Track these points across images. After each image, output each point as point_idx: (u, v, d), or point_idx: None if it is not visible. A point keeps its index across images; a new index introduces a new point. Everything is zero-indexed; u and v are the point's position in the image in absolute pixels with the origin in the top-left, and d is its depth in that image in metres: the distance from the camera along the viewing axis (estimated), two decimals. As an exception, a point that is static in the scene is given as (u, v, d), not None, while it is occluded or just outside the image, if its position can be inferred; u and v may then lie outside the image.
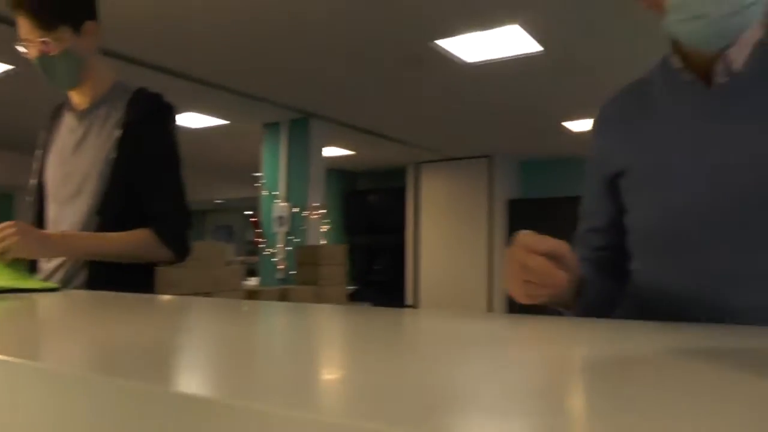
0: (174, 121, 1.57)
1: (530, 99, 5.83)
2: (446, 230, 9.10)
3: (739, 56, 0.92)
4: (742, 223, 0.86)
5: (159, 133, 1.52)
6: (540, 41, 4.23)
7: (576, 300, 0.97)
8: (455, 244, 9.01)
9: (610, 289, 1.06)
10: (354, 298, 6.83)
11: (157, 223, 1.47)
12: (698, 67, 0.96)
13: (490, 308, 8.69)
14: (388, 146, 7.86)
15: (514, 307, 8.74)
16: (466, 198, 8.99)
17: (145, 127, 1.50)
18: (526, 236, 0.88)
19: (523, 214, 8.83)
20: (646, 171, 0.99)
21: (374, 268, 9.88)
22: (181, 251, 1.51)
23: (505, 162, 9.04)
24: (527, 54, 4.45)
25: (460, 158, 8.95)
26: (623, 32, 3.99)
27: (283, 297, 5.48)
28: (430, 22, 3.96)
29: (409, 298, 9.27)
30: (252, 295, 5.30)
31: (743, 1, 0.83)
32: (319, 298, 5.76)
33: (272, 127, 6.89)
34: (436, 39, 4.24)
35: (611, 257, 1.07)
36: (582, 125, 6.83)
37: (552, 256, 0.86)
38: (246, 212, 14.41)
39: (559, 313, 1.00)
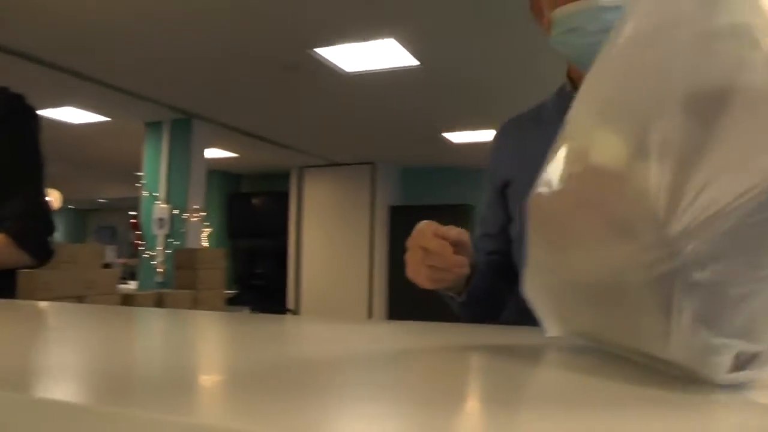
0: (35, 124, 1.51)
1: (410, 110, 5.98)
2: (329, 235, 9.13)
3: None
4: None
5: (16, 136, 1.46)
6: (416, 55, 4.35)
7: (466, 287, 1.01)
8: (337, 249, 9.06)
9: (498, 287, 1.12)
10: (233, 302, 6.72)
11: (12, 227, 1.42)
12: None
13: (370, 313, 8.82)
14: (272, 150, 7.81)
15: (394, 313, 8.93)
16: (348, 203, 9.06)
17: (3, 129, 1.44)
18: (429, 223, 0.91)
19: (404, 221, 8.98)
20: (527, 183, 1.06)
21: (256, 272, 9.74)
22: (40, 255, 1.46)
23: (387, 169, 9.19)
24: (404, 67, 4.56)
25: (343, 164, 9.02)
26: (497, 49, 4.18)
27: (160, 301, 5.31)
28: (308, 30, 3.99)
29: (290, 303, 9.21)
30: (127, 299, 5.10)
31: (611, 24, 0.92)
32: (196, 303, 5.63)
33: (154, 126, 6.67)
34: (315, 47, 4.27)
35: (502, 261, 1.14)
36: (461, 137, 7.07)
37: (454, 243, 0.90)
38: (131, 213, 13.84)
39: (445, 307, 1.06)
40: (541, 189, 0.57)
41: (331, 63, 4.53)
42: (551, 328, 0.59)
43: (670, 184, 0.42)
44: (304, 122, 6.53)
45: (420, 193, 9.32)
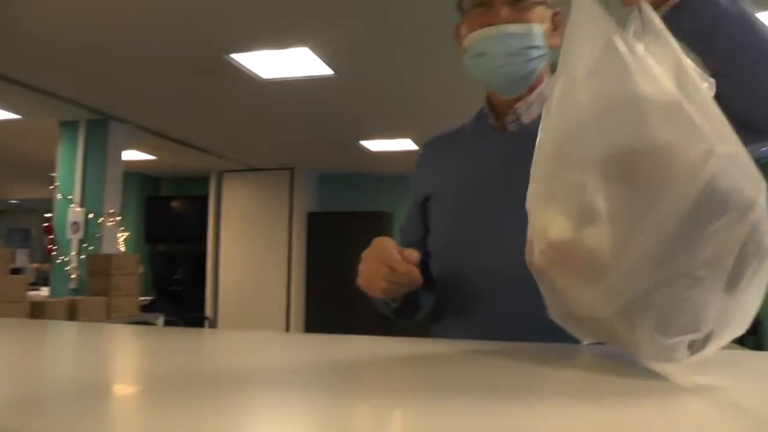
0: None
1: (327, 117, 6.09)
2: (247, 241, 9.10)
3: (527, 111, 1.12)
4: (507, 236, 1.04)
5: None
6: (330, 65, 4.46)
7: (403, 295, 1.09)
8: (256, 255, 9.04)
9: (417, 292, 1.19)
10: (149, 309, 6.60)
11: None
12: (499, 116, 1.16)
13: (288, 317, 8.85)
14: (191, 153, 7.75)
15: (312, 316, 8.99)
16: (267, 209, 9.07)
17: None
18: (391, 241, 0.99)
19: (322, 227, 9.10)
20: (445, 197, 1.17)
21: (174, 278, 9.55)
22: None
23: (305, 175, 9.26)
24: (319, 76, 4.66)
25: (262, 169, 9.03)
26: (412, 61, 4.33)
27: (72, 309, 5.17)
28: (224, 36, 4.02)
29: (207, 310, 9.10)
30: (37, 307, 4.94)
31: (514, 49, 1.03)
32: (110, 310, 5.53)
33: (69, 125, 6.49)
34: (231, 53, 4.31)
35: (421, 269, 1.23)
36: (378, 145, 7.23)
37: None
38: (47, 215, 13.30)
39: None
40: (530, 253, 0.75)
41: (247, 69, 4.58)
42: (582, 338, 0.75)
43: (608, 239, 0.61)
44: (222, 127, 6.53)
45: (337, 199, 9.41)
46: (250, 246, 9.10)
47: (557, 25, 1.12)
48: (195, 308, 8.95)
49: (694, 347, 0.61)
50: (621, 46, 0.64)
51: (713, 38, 0.82)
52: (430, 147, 1.30)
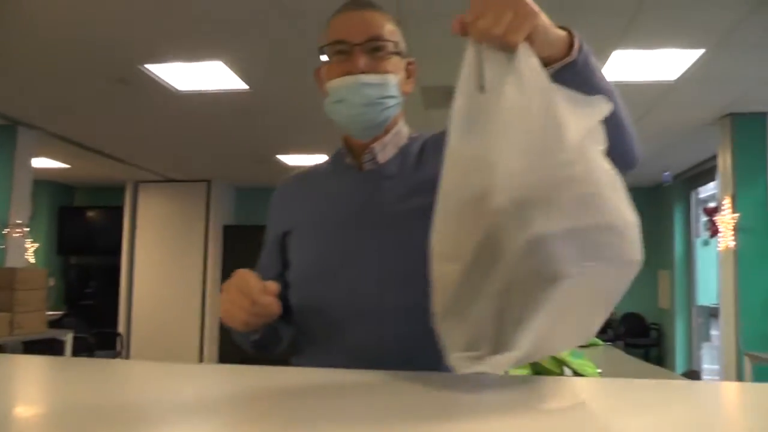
0: None
1: (244, 131, 6.14)
2: (163, 253, 8.94)
3: (382, 151, 1.18)
4: (362, 271, 1.09)
5: None
6: (245, 80, 4.53)
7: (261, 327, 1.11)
8: (171, 268, 8.89)
9: (278, 326, 1.21)
10: (58, 325, 6.38)
11: None
12: (356, 155, 1.20)
13: (202, 332, 8.75)
14: (105, 162, 7.59)
15: (225, 333, 8.88)
16: (183, 221, 8.96)
17: None
18: (251, 274, 1.01)
19: (237, 240, 9.03)
20: (305, 231, 1.20)
21: (86, 292, 9.20)
22: None
23: (222, 187, 9.22)
24: (234, 90, 4.72)
25: (179, 180, 8.94)
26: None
27: (-29, 325, 4.96)
28: (138, 46, 4.03)
29: (120, 326, 8.82)
30: (-67, 323, 4.71)
31: (372, 98, 1.10)
32: (12, 326, 5.30)
33: (-27, 131, 6.25)
34: (146, 63, 4.30)
35: (280, 303, 1.21)
36: (295, 160, 7.35)
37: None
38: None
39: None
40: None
41: (163, 80, 4.59)
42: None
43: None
44: (138, 137, 6.46)
45: (253, 212, 9.36)
46: (165, 259, 8.94)
47: (411, 73, 1.20)
48: (107, 323, 8.64)
49: (484, 359, 0.76)
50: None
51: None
52: (286, 185, 1.33)
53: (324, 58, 1.17)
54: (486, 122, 0.76)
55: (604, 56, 3.98)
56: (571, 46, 0.88)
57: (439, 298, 0.81)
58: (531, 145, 0.74)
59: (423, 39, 3.73)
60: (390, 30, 1.15)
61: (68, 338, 5.28)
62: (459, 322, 0.79)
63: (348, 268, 1.11)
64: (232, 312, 1.00)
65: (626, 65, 4.13)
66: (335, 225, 1.16)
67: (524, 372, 2.07)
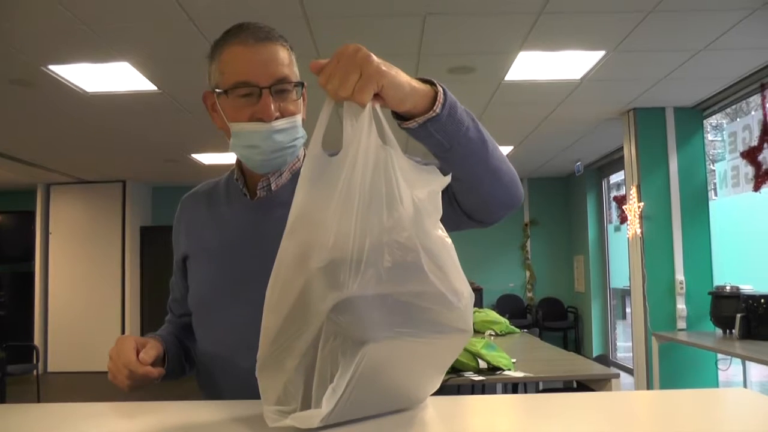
0: None
1: (155, 131, 6.02)
2: (79, 258, 8.65)
3: (277, 179, 1.18)
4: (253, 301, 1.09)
5: None
6: (153, 80, 4.43)
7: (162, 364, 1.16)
8: (88, 273, 8.62)
9: (190, 346, 1.28)
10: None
11: None
12: (250, 181, 1.21)
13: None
14: (12, 165, 7.25)
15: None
16: (99, 223, 8.71)
17: None
18: (131, 342, 1.08)
19: (155, 241, 8.87)
20: (199, 260, 1.23)
21: (-1, 302, 8.77)
22: None
23: (138, 188, 9.01)
24: (142, 91, 4.61)
25: (93, 182, 8.65)
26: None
27: None
28: (39, 47, 3.86)
29: (36, 338, 8.43)
30: None
31: (283, 144, 1.09)
32: None
33: None
34: (49, 64, 4.13)
35: (190, 322, 1.26)
36: (211, 158, 7.27)
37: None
38: None
39: None
40: None
41: (69, 82, 4.43)
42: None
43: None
44: (46, 139, 6.21)
45: (171, 212, 9.09)
46: (81, 263, 8.65)
47: (305, 98, 1.18)
48: (21, 336, 8.25)
49: (292, 415, 0.78)
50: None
51: (453, 149, 0.94)
52: (186, 204, 1.34)
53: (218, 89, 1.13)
54: (325, 181, 0.78)
55: (510, 57, 4.12)
56: (434, 100, 0.90)
57: (261, 348, 0.83)
58: (361, 208, 0.75)
59: (331, 40, 3.75)
60: (290, 63, 1.13)
61: (-24, 354, 5.01)
62: (273, 375, 0.82)
63: (235, 297, 1.13)
64: (117, 378, 1.07)
65: (532, 66, 4.28)
66: (225, 254, 1.18)
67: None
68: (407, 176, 0.80)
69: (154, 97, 4.77)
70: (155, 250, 8.83)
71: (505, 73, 4.44)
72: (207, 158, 7.28)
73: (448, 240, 0.82)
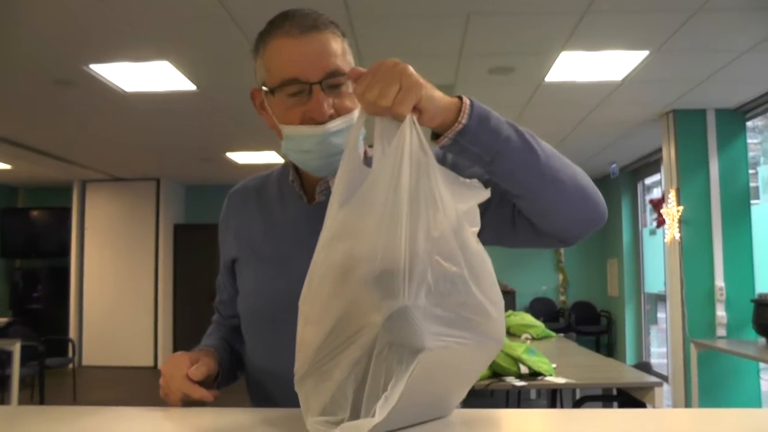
0: None
1: (193, 131, 6.06)
2: (113, 254, 8.77)
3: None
4: None
5: None
6: (192, 80, 4.45)
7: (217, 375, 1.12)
8: (122, 268, 8.73)
9: (238, 354, 1.22)
10: (4, 333, 6.12)
11: None
12: (306, 183, 1.13)
13: (156, 334, 8.64)
14: (50, 163, 7.38)
15: (180, 331, 8.79)
16: (133, 220, 8.81)
17: None
18: (184, 364, 1.02)
19: (188, 239, 8.96)
20: (250, 265, 1.15)
21: (33, 296, 8.89)
22: None
23: (172, 186, 9.08)
24: (181, 90, 4.65)
25: (128, 179, 8.76)
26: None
27: None
28: (81, 46, 3.91)
29: (71, 331, 8.56)
30: None
31: (341, 147, 0.98)
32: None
33: None
34: (90, 63, 4.18)
35: (239, 324, 1.20)
36: (245, 157, 7.31)
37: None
38: None
39: None
40: None
41: (109, 81, 4.48)
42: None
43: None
44: (84, 137, 6.31)
45: (203, 211, 9.23)
46: (115, 259, 8.77)
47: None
48: (57, 329, 8.38)
49: (341, 425, 0.77)
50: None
51: (495, 161, 0.90)
52: (234, 201, 1.26)
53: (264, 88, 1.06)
54: (363, 192, 0.79)
55: (552, 57, 4.06)
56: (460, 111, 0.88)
57: (299, 360, 0.83)
58: (408, 218, 0.76)
59: (373, 41, 3.73)
60: (343, 53, 1.04)
61: (16, 348, 5.07)
62: (316, 386, 0.81)
63: (291, 311, 0.99)
64: (170, 397, 1.03)
65: (573, 66, 4.21)
66: (280, 263, 1.10)
67: (484, 372, 2.09)
68: (450, 188, 0.82)
69: (192, 96, 4.80)
70: (188, 248, 8.92)
71: (546, 74, 4.38)
72: (242, 157, 7.32)
73: (484, 253, 0.84)
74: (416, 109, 0.83)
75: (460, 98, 0.89)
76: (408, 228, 0.75)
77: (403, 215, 0.75)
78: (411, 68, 0.83)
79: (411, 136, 0.79)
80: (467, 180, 0.86)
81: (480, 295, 0.80)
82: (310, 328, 0.81)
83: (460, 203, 0.82)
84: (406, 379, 0.73)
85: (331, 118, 1.00)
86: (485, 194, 0.87)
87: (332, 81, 1.00)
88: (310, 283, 0.81)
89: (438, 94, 0.85)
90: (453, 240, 0.78)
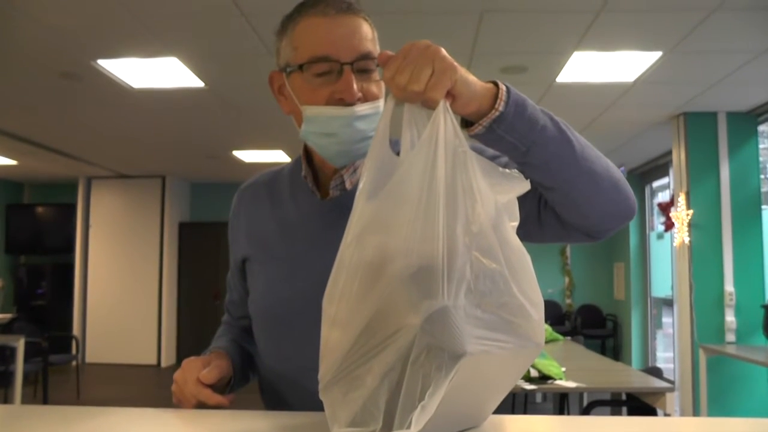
0: None
1: (199, 128, 6.03)
2: (117, 251, 8.76)
3: (350, 176, 1.05)
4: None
5: None
6: (200, 77, 4.42)
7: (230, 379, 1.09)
8: (126, 266, 8.72)
9: (251, 350, 1.17)
10: (8, 329, 6.11)
11: None
12: (320, 177, 1.09)
13: (159, 331, 8.61)
14: (56, 159, 7.36)
15: (184, 329, 8.77)
16: (138, 217, 8.79)
17: None
18: (197, 369, 0.99)
19: (193, 237, 8.94)
20: (262, 264, 1.11)
21: (38, 293, 8.82)
22: None
23: (177, 183, 9.06)
24: (189, 87, 4.61)
25: (133, 176, 8.75)
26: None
27: None
28: (88, 41, 3.88)
29: (75, 328, 8.56)
30: None
31: (365, 133, 0.95)
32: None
33: None
34: (98, 58, 4.16)
35: (250, 325, 1.16)
36: (252, 156, 7.28)
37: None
38: None
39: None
40: None
41: (116, 77, 4.45)
42: None
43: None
44: (90, 133, 6.28)
45: (209, 208, 9.24)
46: (120, 257, 8.76)
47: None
48: (61, 326, 8.37)
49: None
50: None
51: (530, 152, 0.85)
52: (245, 197, 1.21)
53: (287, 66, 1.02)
54: (395, 183, 0.73)
55: (564, 57, 4.01)
56: (496, 98, 0.83)
57: (324, 365, 0.75)
58: (445, 212, 0.70)
59: (383, 38, 3.69)
60: (373, 39, 1.01)
61: (20, 344, 5.06)
62: (345, 395, 0.74)
63: (305, 312, 0.97)
64: (183, 403, 1.00)
65: (586, 67, 4.17)
66: (293, 262, 1.06)
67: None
68: (488, 179, 0.75)
69: (200, 93, 4.77)
70: (193, 245, 8.91)
71: (557, 74, 4.33)
72: (248, 156, 7.30)
73: (524, 249, 0.78)
74: (449, 95, 0.77)
75: (496, 84, 0.84)
76: (445, 222, 0.69)
77: (440, 208, 0.69)
78: (444, 50, 0.77)
79: (445, 123, 0.73)
80: (506, 170, 0.80)
81: (520, 296, 0.74)
82: (336, 331, 0.73)
83: (500, 195, 0.76)
84: (445, 386, 0.67)
85: (359, 101, 0.95)
86: (525, 185, 0.80)
87: (363, 64, 0.97)
88: (336, 281, 0.74)
89: (472, 78, 0.80)
90: (492, 235, 0.72)
